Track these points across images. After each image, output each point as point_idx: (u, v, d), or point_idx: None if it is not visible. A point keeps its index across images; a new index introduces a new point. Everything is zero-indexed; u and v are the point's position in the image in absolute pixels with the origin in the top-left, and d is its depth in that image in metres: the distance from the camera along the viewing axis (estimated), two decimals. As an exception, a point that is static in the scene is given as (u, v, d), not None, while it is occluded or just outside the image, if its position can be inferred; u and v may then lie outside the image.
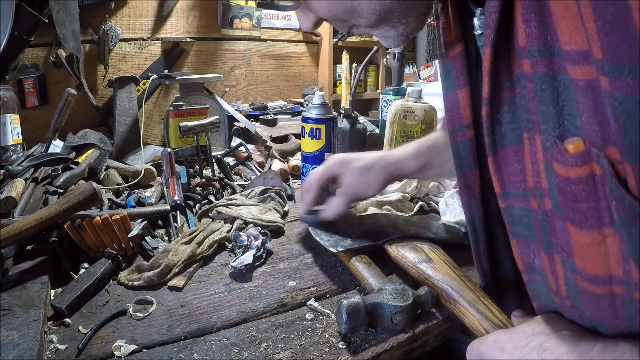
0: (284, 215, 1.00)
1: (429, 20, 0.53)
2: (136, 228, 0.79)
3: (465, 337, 0.78)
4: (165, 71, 1.62)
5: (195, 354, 0.54)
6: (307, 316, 0.63)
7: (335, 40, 2.15)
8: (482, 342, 0.49)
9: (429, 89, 1.64)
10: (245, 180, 1.22)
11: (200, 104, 1.46)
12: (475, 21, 0.50)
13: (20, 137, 1.25)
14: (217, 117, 1.18)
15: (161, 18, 1.69)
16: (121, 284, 0.70)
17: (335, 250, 0.75)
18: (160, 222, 0.90)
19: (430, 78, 2.26)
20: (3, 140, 1.20)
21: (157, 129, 1.72)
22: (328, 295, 0.69)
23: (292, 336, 0.58)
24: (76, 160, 1.18)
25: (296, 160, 1.34)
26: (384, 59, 2.28)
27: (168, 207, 0.89)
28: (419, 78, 2.39)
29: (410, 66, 2.56)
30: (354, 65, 1.70)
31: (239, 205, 0.94)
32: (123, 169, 1.20)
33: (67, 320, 0.60)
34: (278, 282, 0.73)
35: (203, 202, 1.01)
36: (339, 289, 0.71)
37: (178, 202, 0.92)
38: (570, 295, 0.43)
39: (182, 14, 1.75)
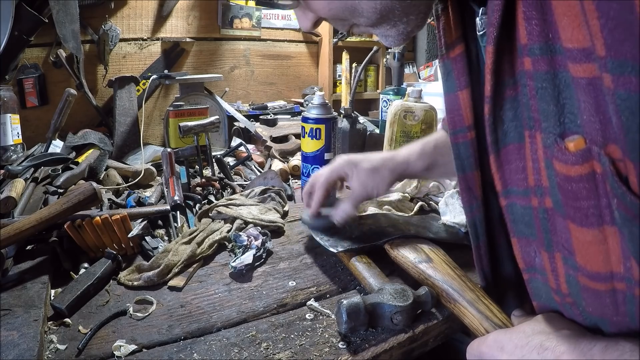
0: (284, 215, 1.00)
1: (429, 20, 0.53)
2: (136, 228, 0.79)
3: (465, 337, 0.78)
4: (165, 71, 1.62)
5: (195, 354, 0.54)
6: (307, 316, 0.63)
7: (335, 40, 2.15)
8: (482, 341, 0.49)
9: (429, 89, 1.64)
10: (245, 180, 1.22)
11: (200, 104, 1.46)
12: (478, 21, 0.50)
13: (20, 137, 1.25)
14: (217, 117, 1.18)
15: (161, 18, 1.69)
16: (121, 284, 0.70)
17: (335, 250, 0.75)
18: (160, 222, 0.90)
19: (430, 78, 2.26)
20: (3, 140, 1.20)
21: (157, 129, 1.72)
22: (328, 295, 0.69)
23: (292, 336, 0.58)
24: (76, 160, 1.18)
25: (296, 160, 1.34)
26: (384, 59, 2.28)
27: (168, 207, 0.89)
28: (419, 78, 2.39)
29: (410, 66, 2.56)
30: (354, 65, 1.71)
31: (239, 205, 0.94)
32: (123, 169, 1.20)
33: (67, 320, 0.60)
34: (278, 282, 0.73)
35: (203, 202, 1.01)
36: (339, 289, 0.71)
37: (178, 202, 0.92)
38: (571, 292, 0.43)
39: (182, 14, 1.75)
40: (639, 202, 0.33)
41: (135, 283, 0.70)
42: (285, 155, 1.47)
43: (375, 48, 1.54)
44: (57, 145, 1.30)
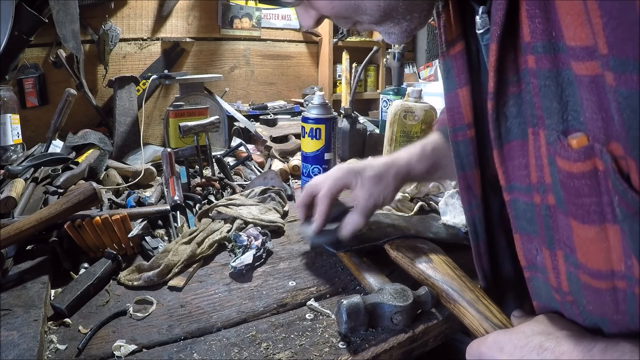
0: (284, 215, 1.00)
1: (429, 20, 0.53)
2: (136, 228, 0.79)
3: (465, 337, 0.78)
4: (165, 71, 1.62)
5: (195, 354, 0.54)
6: (307, 316, 0.63)
7: (335, 40, 2.15)
8: (482, 342, 0.49)
9: (429, 89, 1.65)
10: (245, 180, 1.22)
11: (200, 104, 1.46)
12: (478, 19, 0.50)
13: (20, 137, 1.25)
14: (217, 117, 1.18)
15: (161, 18, 1.69)
16: (121, 284, 0.70)
17: (335, 250, 0.75)
18: (160, 222, 0.90)
19: (430, 78, 2.26)
20: (3, 140, 1.20)
21: (157, 129, 1.72)
22: (328, 295, 0.69)
23: (292, 336, 0.58)
24: (76, 160, 1.18)
25: (296, 160, 1.34)
26: (384, 59, 2.28)
27: (168, 207, 0.89)
28: (419, 78, 2.39)
29: (410, 66, 2.56)
30: (354, 65, 1.71)
31: (239, 205, 0.94)
32: (123, 169, 1.20)
33: (67, 320, 0.60)
34: (278, 282, 0.73)
35: (203, 202, 1.01)
36: (339, 289, 0.71)
37: (178, 202, 0.92)
38: (572, 290, 0.43)
39: (182, 14, 1.75)
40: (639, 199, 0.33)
41: (135, 283, 0.70)
42: (285, 155, 1.47)
43: (375, 48, 1.54)
44: (57, 145, 1.30)
